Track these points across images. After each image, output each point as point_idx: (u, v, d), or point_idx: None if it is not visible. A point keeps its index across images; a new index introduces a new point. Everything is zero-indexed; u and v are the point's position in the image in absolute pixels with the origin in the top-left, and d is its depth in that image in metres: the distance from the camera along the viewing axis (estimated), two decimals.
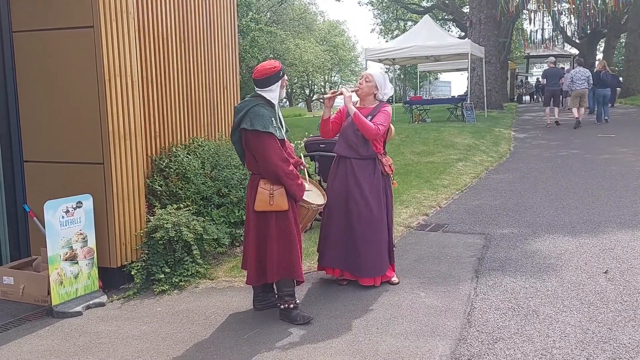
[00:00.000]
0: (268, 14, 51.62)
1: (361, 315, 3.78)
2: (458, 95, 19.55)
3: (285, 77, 3.76)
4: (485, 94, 17.22)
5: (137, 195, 4.85)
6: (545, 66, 18.99)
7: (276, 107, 3.79)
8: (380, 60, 17.31)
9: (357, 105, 4.29)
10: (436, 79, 58.24)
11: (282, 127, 3.75)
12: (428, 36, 15.53)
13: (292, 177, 3.63)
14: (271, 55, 48.52)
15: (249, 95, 3.84)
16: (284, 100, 61.63)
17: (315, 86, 63.43)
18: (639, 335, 3.20)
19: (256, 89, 3.73)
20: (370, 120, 4.10)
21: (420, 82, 50.41)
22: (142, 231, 4.86)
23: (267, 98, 3.69)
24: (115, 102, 4.60)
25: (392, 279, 4.39)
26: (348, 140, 4.22)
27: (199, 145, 6.33)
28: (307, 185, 4.08)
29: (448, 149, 10.61)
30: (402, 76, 54.98)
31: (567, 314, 3.56)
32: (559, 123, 14.50)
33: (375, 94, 4.27)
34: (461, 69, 23.87)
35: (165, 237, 4.69)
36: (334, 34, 58.18)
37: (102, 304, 4.39)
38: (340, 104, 4.41)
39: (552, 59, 17.40)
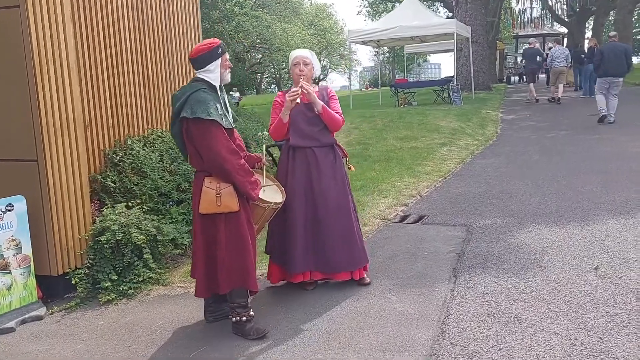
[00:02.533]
0: None
1: (324, 326, 3.36)
2: (445, 77, 19.09)
3: (227, 56, 3.27)
4: (472, 75, 16.74)
5: (79, 195, 4.38)
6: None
7: (222, 92, 3.33)
8: (364, 43, 16.78)
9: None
10: (425, 61, 57.59)
11: (228, 114, 3.28)
12: (413, 16, 14.99)
13: (244, 173, 3.17)
14: (257, 41, 47.87)
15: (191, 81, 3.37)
16: (272, 86, 60.88)
17: None
18: (634, 347, 2.79)
19: (195, 72, 3.26)
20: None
21: (409, 65, 49.83)
22: (87, 234, 4.40)
23: (208, 81, 3.22)
24: (48, 91, 4.11)
25: (365, 279, 3.98)
26: (301, 130, 3.79)
27: (158, 136, 5.86)
28: (263, 182, 3.64)
29: (432, 133, 10.17)
30: (390, 59, 54.43)
31: (553, 321, 3.15)
32: (537, 100, 15.54)
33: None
34: (449, 50, 23.35)
35: (112, 240, 4.24)
36: (321, 18, 57.36)
37: (39, 318, 3.94)
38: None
39: (533, 39, 19.08)
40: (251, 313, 3.33)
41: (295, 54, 3.84)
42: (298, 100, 3.70)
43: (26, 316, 3.91)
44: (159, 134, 5.90)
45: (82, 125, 4.43)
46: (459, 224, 5.25)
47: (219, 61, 3.21)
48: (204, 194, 3.15)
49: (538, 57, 15.85)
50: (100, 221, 4.37)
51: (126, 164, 5.21)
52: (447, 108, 13.24)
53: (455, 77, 15.87)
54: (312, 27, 58.26)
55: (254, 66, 51.99)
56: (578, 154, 8.20)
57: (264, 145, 3.94)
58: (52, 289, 4.32)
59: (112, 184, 4.97)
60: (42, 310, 4.01)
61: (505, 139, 10.21)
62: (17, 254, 3.96)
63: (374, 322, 3.36)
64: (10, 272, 3.92)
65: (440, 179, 7.25)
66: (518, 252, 4.34)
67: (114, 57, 5.48)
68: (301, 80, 3.72)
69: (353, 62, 64.00)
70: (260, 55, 49.48)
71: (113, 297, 4.12)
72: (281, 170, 3.90)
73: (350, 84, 29.40)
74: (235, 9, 43.14)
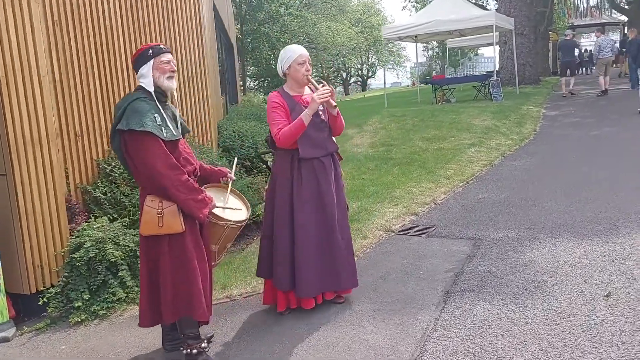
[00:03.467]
0: None
1: None
2: (486, 72, 18.23)
3: (164, 58, 2.94)
4: (516, 69, 15.86)
5: (54, 209, 4.21)
6: (593, 36, 18.61)
7: (166, 100, 3.03)
8: (400, 39, 16.24)
9: (305, 95, 3.48)
10: (476, 55, 55.80)
11: (171, 124, 2.96)
12: (450, 9, 14.32)
13: (186, 190, 2.87)
14: (304, 40, 47.79)
15: None
16: (321, 85, 60.32)
17: (353, 69, 62.20)
18: None
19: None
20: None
21: (460, 59, 48.50)
22: (63, 250, 4.24)
23: (145, 87, 2.93)
24: (16, 103, 3.96)
25: (341, 297, 3.65)
26: (312, 138, 3.40)
27: None
28: (226, 198, 3.34)
29: (463, 132, 9.58)
30: (439, 54, 53.03)
31: None
32: (572, 93, 14.95)
33: None
34: (492, 44, 22.39)
35: (85, 257, 4.05)
36: (368, 15, 56.68)
37: (6, 339, 3.80)
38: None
39: (569, 32, 18.10)
40: (203, 345, 3.03)
41: (299, 51, 3.37)
42: (333, 103, 3.36)
43: None
44: None
45: (54, 138, 4.25)
46: (467, 237, 4.77)
47: (150, 64, 2.91)
48: (145, 213, 2.87)
49: (575, 49, 15.36)
50: (76, 237, 4.20)
51: (117, 174, 5.05)
52: (484, 105, 12.54)
53: (495, 71, 15.04)
54: (360, 24, 57.75)
55: None
56: (620, 155, 7.45)
57: (235, 159, 3.64)
58: (30, 307, 4.18)
59: (102, 195, 4.82)
60: (10, 332, 3.86)
61: (542, 138, 9.49)
62: None
63: (339, 356, 2.99)
64: None
65: (461, 184, 6.73)
66: (523, 273, 3.84)
67: (107, 63, 5.34)
68: (311, 79, 3.39)
69: (402, 58, 62.95)
70: (310, 54, 49.43)
71: (84, 317, 3.93)
72: (281, 183, 3.46)
73: (385, 81, 28.62)
74: (280, 10, 43.30)
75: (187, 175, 2.89)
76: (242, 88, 44.85)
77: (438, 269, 4.11)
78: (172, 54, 3.04)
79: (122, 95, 5.56)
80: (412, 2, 44.09)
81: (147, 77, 2.92)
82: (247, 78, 51.95)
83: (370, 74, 64.83)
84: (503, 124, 10.26)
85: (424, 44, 41.46)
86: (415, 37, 16.69)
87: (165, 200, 2.87)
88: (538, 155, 8.03)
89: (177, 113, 3.10)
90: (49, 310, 3.99)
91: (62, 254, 4.22)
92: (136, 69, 2.93)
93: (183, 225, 2.88)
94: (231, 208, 3.32)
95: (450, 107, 12.80)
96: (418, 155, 8.34)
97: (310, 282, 3.40)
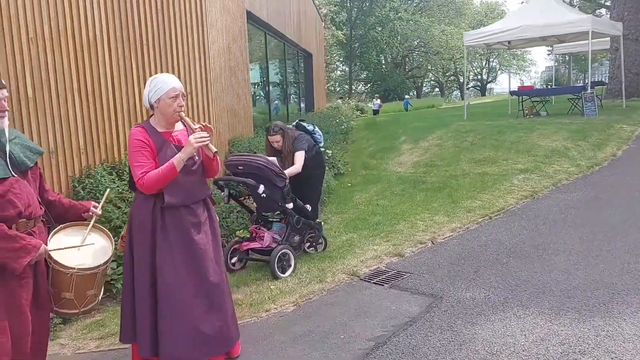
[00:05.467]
0: (415, 1, 49.60)
1: None
2: (583, 83, 16.24)
3: None
4: (623, 79, 13.89)
5: None
6: None
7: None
8: (487, 45, 14.99)
9: (175, 132, 3.05)
10: (607, 60, 50.61)
11: (6, 161, 2.67)
12: (541, 13, 12.86)
13: None
14: (416, 44, 46.61)
15: None
16: (436, 90, 58.65)
17: (471, 73, 59.56)
18: None
19: None
20: None
21: (593, 65, 44.65)
22: None
23: None
24: None
25: None
26: (180, 184, 2.96)
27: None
28: (84, 236, 2.99)
29: (521, 155, 8.43)
30: (566, 58, 48.96)
31: None
32: None
33: None
34: (605, 50, 19.98)
35: None
36: (491, 17, 53.94)
37: None
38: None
39: None
40: None
41: (171, 83, 2.89)
42: (214, 149, 2.91)
43: None
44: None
45: None
46: (429, 294, 4.01)
47: None
48: None
49: None
50: None
51: (85, 192, 4.99)
52: (569, 121, 11.03)
53: (588, 82, 13.26)
54: (481, 26, 55.39)
55: (412, 70, 50.82)
56: None
57: (108, 190, 3.29)
58: None
59: None
60: None
61: (618, 166, 8.04)
62: None
63: None
64: None
65: (480, 220, 5.83)
66: (453, 353, 3.07)
67: (88, 82, 5.32)
68: (184, 116, 2.97)
69: (527, 61, 59.24)
70: (421, 59, 48.16)
71: None
72: (140, 235, 2.96)
73: (510, 86, 26.76)
74: (390, 14, 42.56)
75: None
76: (347, 93, 44.96)
77: (365, 334, 3.45)
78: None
79: (104, 112, 5.54)
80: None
81: None
82: (357, 82, 52.00)
83: (490, 79, 61.71)
84: (576, 146, 8.89)
85: (548, 48, 38.28)
86: (509, 42, 15.31)
87: None
88: (596, 189, 6.77)
89: (20, 143, 2.81)
90: None
91: None
92: None
93: None
94: (86, 245, 2.95)
95: (530, 122, 11.45)
96: (454, 181, 7.46)
97: (177, 347, 2.93)
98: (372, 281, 4.39)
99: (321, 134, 5.37)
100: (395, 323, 3.57)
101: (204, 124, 2.92)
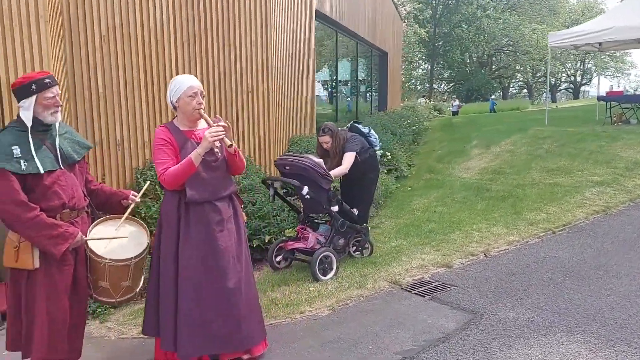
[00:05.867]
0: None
1: None
2: None
3: (49, 94, 2.82)
4: None
5: None
6: None
7: (50, 130, 2.91)
8: (575, 47, 14.10)
9: (198, 130, 3.13)
10: None
11: (56, 154, 2.84)
12: (633, 13, 11.93)
13: (35, 227, 2.72)
14: (504, 42, 44.67)
15: None
16: (524, 91, 56.08)
17: (563, 75, 56.45)
18: None
19: None
20: None
21: None
22: None
23: (22, 118, 2.86)
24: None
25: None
26: (202, 179, 3.06)
27: None
28: (117, 226, 3.12)
29: (599, 166, 7.87)
30: None
31: None
32: None
33: None
34: None
35: None
36: (588, 16, 50.83)
37: None
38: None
39: None
40: None
41: (189, 82, 3.00)
42: (228, 142, 3.00)
43: None
44: None
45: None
46: (468, 310, 3.84)
47: (32, 99, 2.81)
48: (6, 244, 2.83)
49: None
50: None
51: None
52: None
53: None
54: (577, 25, 52.28)
55: (499, 70, 48.89)
56: None
57: (147, 182, 3.41)
58: None
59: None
60: None
61: None
62: None
63: None
64: None
65: (543, 233, 5.51)
66: None
67: (154, 80, 5.56)
68: (204, 113, 3.06)
69: (626, 64, 55.38)
70: (508, 59, 46.25)
71: None
72: (167, 231, 3.05)
73: (599, 90, 25.17)
74: (477, 12, 41.12)
75: (36, 212, 2.74)
76: (428, 92, 44.02)
77: (394, 346, 3.36)
78: (58, 86, 2.92)
79: (168, 109, 5.76)
80: None
81: (27, 111, 2.83)
82: (440, 81, 50.75)
83: (584, 81, 58.23)
84: None
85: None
86: (600, 44, 14.33)
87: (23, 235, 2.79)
88: None
89: (70, 138, 2.98)
90: None
91: None
92: (17, 100, 2.88)
93: (35, 262, 2.77)
94: (118, 237, 3.06)
95: (616, 131, 10.65)
96: (521, 190, 7.09)
97: (192, 344, 3.00)
98: (413, 291, 4.27)
99: (377, 136, 5.28)
100: (427, 338, 3.44)
101: (218, 116, 2.98)
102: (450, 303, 3.99)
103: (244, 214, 3.29)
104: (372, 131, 5.22)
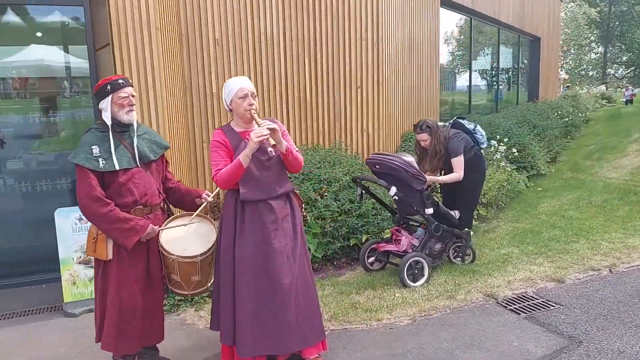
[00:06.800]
0: None
1: None
2: None
3: (122, 94, 3.03)
4: None
5: None
6: None
7: (128, 130, 3.13)
8: None
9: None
10: None
11: (134, 154, 3.07)
12: None
13: (108, 221, 2.96)
14: None
15: None
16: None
17: None
18: None
19: None
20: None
21: None
22: None
23: (103, 119, 3.12)
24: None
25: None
26: (255, 178, 3.08)
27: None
28: (187, 221, 3.26)
29: None
30: None
31: None
32: None
33: None
34: None
35: None
36: None
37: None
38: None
39: None
40: None
41: (239, 84, 3.04)
42: (272, 142, 3.07)
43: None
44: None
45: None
46: (565, 334, 3.34)
47: (108, 99, 3.06)
48: (88, 235, 3.12)
49: None
50: None
51: None
52: None
53: None
54: None
55: None
56: None
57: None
58: None
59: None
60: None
61: None
62: None
63: None
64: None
65: None
66: None
67: (263, 78, 5.75)
68: (254, 114, 3.10)
69: None
70: None
71: None
72: (226, 228, 3.13)
73: None
74: None
75: (110, 207, 2.96)
76: (600, 78, 39.47)
77: None
78: (132, 87, 3.13)
79: (276, 109, 5.92)
80: None
81: (106, 111, 3.11)
82: (617, 66, 45.16)
83: None
84: None
85: None
86: None
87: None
88: None
89: (148, 138, 3.19)
90: None
91: None
92: (97, 101, 3.15)
93: (109, 253, 3.01)
94: (191, 237, 3.20)
95: None
96: None
97: (246, 342, 3.04)
98: (508, 307, 3.84)
99: (483, 133, 4.85)
100: None
101: (269, 119, 2.95)
102: (547, 324, 3.52)
103: (305, 213, 3.23)
104: (478, 127, 4.80)
